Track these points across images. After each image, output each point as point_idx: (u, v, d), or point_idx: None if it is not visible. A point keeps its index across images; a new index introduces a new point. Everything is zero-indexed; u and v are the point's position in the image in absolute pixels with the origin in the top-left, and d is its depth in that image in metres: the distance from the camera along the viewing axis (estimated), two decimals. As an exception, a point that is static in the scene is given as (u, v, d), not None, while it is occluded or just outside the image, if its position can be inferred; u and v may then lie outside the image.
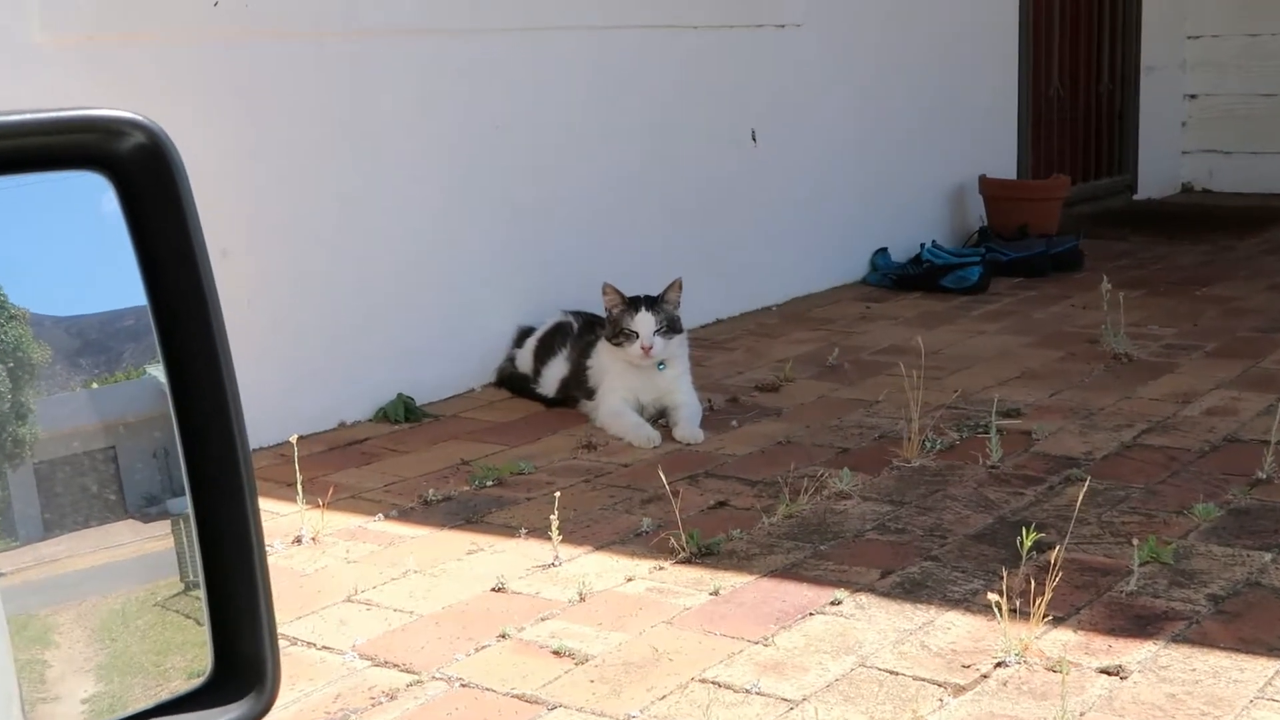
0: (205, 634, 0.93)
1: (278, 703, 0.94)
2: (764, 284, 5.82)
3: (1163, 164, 8.87)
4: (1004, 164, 7.28)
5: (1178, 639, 2.60)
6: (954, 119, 6.87)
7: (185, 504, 0.93)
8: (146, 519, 0.94)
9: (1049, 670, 2.48)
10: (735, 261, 5.68)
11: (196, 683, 0.93)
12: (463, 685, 2.51)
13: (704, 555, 3.06)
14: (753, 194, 5.76)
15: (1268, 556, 2.98)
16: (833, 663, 2.54)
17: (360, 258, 4.27)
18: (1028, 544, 2.68)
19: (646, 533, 3.21)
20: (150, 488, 0.94)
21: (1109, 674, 2.47)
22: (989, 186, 6.90)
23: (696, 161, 5.48)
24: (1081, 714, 2.33)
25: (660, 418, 4.12)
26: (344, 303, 4.23)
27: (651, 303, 4.07)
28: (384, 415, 4.24)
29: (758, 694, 2.43)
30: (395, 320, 4.37)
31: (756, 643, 2.63)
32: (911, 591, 2.85)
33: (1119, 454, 3.76)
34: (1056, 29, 7.85)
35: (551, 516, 3.03)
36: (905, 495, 3.46)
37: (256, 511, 0.94)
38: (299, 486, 3.32)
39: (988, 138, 7.22)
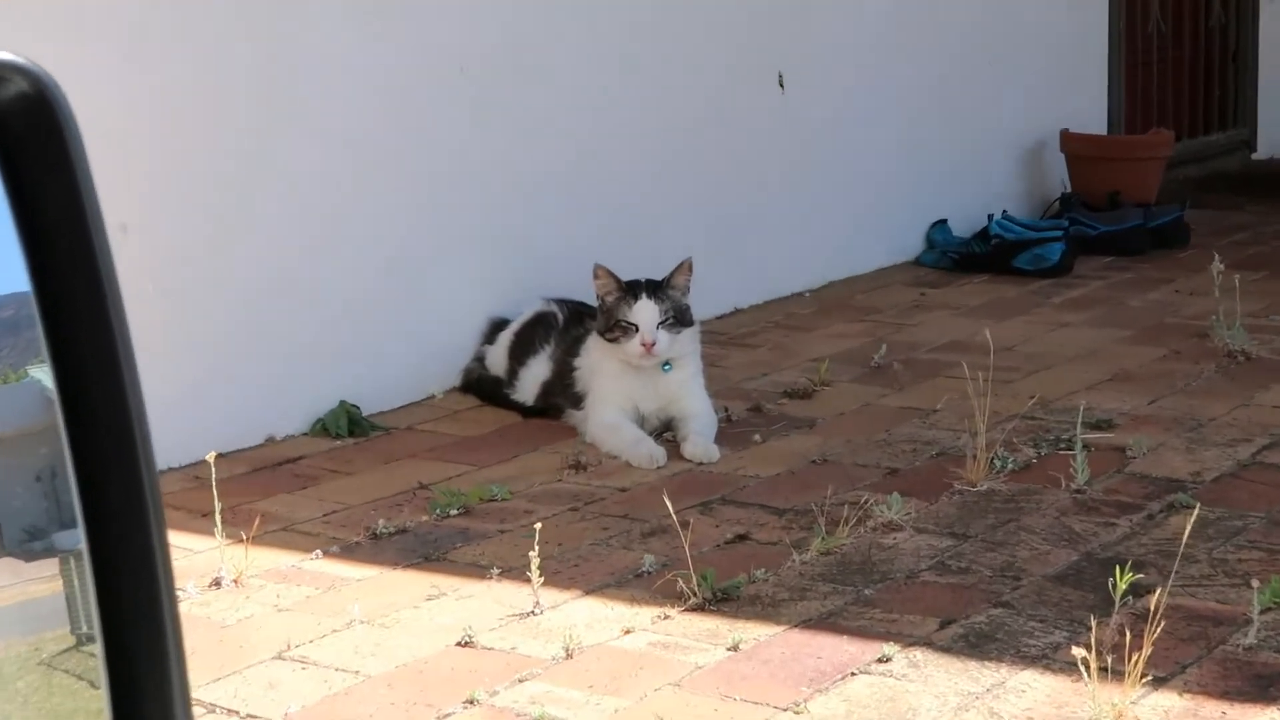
0: (102, 699, 0.93)
1: (192, 784, 0.94)
2: (794, 266, 5.83)
3: (1288, 116, 8.87)
4: (1092, 116, 7.28)
5: (1308, 704, 2.61)
6: (1030, 61, 6.87)
7: (78, 538, 0.93)
8: (29, 556, 0.94)
9: (1148, 743, 2.48)
10: (758, 238, 5.68)
11: (91, 760, 0.93)
12: (421, 763, 2.51)
13: (720, 601, 3.06)
14: (780, 154, 5.76)
15: None
16: (880, 734, 2.54)
17: (292, 234, 4.27)
18: (1122, 587, 2.68)
19: (649, 573, 3.21)
20: (33, 518, 0.94)
21: (1222, 748, 2.47)
22: (1073, 144, 6.90)
23: (710, 113, 5.48)
24: (1188, 797, 2.33)
25: (665, 431, 4.12)
26: (272, 290, 4.22)
27: (654, 288, 4.07)
28: (323, 428, 4.24)
29: (787, 773, 2.43)
30: (336, 312, 4.37)
31: (786, 709, 2.63)
32: (977, 646, 2.85)
33: (1234, 475, 3.76)
34: (1156, -52, 7.85)
35: (531, 553, 3.03)
36: (969, 527, 3.46)
37: (165, 547, 0.94)
38: (217, 516, 3.31)
39: (1072, 84, 7.22)
